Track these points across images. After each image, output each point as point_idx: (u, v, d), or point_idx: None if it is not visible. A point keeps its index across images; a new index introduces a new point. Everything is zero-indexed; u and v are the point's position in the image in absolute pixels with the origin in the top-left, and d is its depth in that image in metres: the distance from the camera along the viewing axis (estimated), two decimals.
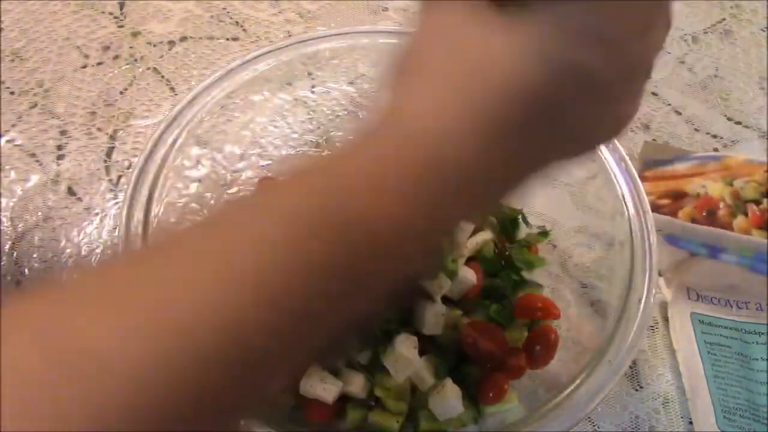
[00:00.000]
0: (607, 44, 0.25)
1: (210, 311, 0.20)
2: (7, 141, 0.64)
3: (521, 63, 0.24)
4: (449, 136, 0.24)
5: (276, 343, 0.22)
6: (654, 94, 0.72)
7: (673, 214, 0.61)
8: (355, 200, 0.23)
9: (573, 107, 0.26)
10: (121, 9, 0.75)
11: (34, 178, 0.61)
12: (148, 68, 0.70)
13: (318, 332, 0.23)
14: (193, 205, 0.52)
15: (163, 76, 0.70)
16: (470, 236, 0.52)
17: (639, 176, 0.51)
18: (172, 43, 0.72)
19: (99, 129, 0.65)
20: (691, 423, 0.51)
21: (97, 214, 0.60)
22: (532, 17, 0.25)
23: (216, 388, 0.20)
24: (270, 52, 0.54)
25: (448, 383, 0.45)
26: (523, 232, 0.55)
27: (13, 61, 0.70)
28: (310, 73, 0.59)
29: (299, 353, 0.24)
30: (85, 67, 0.70)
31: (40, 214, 0.59)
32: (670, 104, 0.71)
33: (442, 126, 0.24)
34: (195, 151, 0.52)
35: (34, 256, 0.57)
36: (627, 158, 0.51)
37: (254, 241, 0.22)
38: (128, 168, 0.63)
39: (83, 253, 0.58)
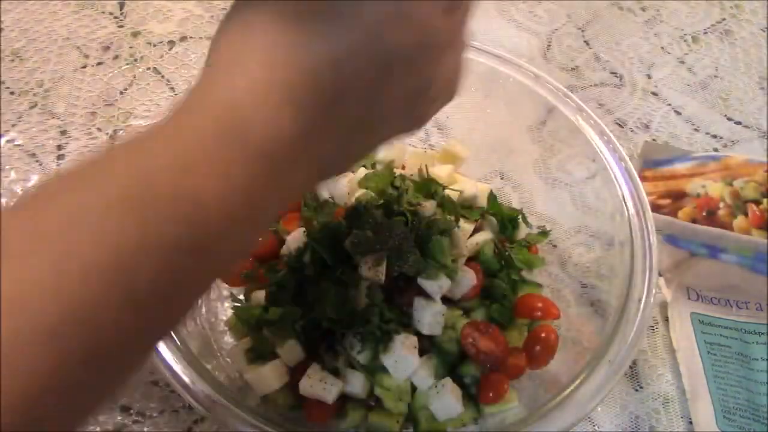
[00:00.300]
0: (405, 21, 0.28)
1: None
2: (7, 141, 0.64)
3: (324, 53, 0.27)
4: (259, 108, 0.26)
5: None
6: (654, 94, 0.72)
7: (673, 214, 0.61)
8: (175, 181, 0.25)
9: (386, 80, 0.29)
10: (121, 9, 0.75)
11: (34, 178, 0.61)
12: (148, 68, 0.70)
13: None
14: None
15: (163, 76, 0.70)
16: (470, 236, 0.52)
17: (639, 176, 0.51)
18: (172, 43, 0.72)
19: (99, 129, 0.65)
20: (691, 423, 0.51)
21: None
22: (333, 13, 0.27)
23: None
24: None
25: (448, 383, 0.45)
26: (523, 232, 0.55)
27: (13, 61, 0.70)
28: None
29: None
30: (85, 67, 0.70)
31: None
32: (670, 104, 0.71)
33: (252, 100, 0.26)
34: None
35: None
36: (627, 158, 0.51)
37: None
38: None
39: None
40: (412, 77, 0.30)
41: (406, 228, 0.47)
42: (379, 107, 0.30)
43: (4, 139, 0.64)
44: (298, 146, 0.27)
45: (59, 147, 0.64)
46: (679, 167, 0.64)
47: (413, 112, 0.33)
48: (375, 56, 0.28)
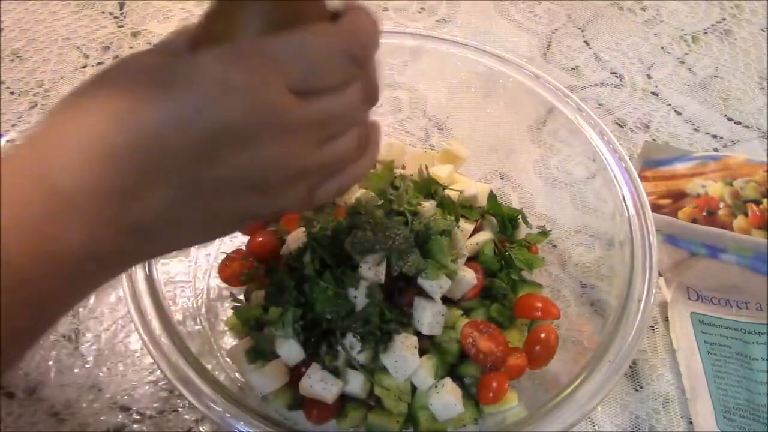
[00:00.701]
0: (237, 95, 0.28)
1: None
2: (7, 141, 0.64)
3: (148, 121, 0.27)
4: (66, 159, 0.27)
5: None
6: (654, 94, 0.72)
7: (673, 214, 0.61)
8: None
9: (225, 153, 0.28)
10: (121, 9, 0.75)
11: None
12: None
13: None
14: None
15: None
16: (470, 236, 0.52)
17: (639, 176, 0.51)
18: None
19: None
20: (691, 423, 0.51)
21: None
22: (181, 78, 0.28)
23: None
24: None
25: (448, 383, 0.45)
26: (523, 232, 0.55)
27: (13, 61, 0.70)
28: None
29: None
30: (85, 67, 0.70)
31: None
32: (670, 104, 0.71)
33: (61, 153, 0.27)
34: None
35: None
36: (627, 158, 0.51)
37: None
38: None
39: None
40: (246, 152, 0.29)
41: (406, 228, 0.47)
42: (213, 176, 0.29)
43: (4, 139, 0.64)
44: (111, 200, 0.27)
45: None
46: (679, 167, 0.64)
47: (267, 190, 0.31)
48: (200, 126, 0.27)
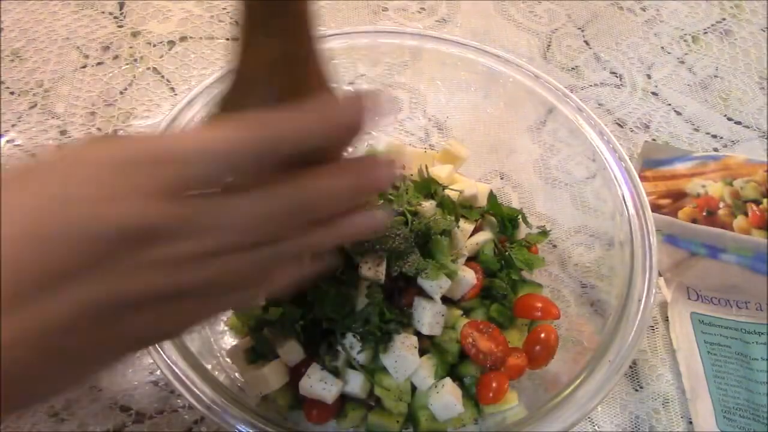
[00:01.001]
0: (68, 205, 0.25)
1: None
2: (7, 141, 0.64)
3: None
4: None
5: None
6: (654, 94, 0.72)
7: (673, 214, 0.61)
8: None
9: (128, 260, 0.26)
10: (121, 9, 0.75)
11: None
12: (148, 68, 0.70)
13: None
14: None
15: (163, 76, 0.70)
16: (470, 236, 0.52)
17: (639, 176, 0.51)
18: (172, 43, 0.72)
19: (99, 129, 0.65)
20: (691, 423, 0.51)
21: None
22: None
23: None
24: None
25: (448, 383, 0.45)
26: (523, 232, 0.55)
27: (13, 61, 0.70)
28: None
29: None
30: (85, 67, 0.70)
31: None
32: (670, 104, 0.71)
33: None
34: None
35: None
36: (627, 158, 0.51)
37: None
38: None
39: None
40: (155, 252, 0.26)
41: (406, 228, 0.47)
42: (123, 289, 0.26)
43: (4, 139, 0.64)
44: None
45: (59, 147, 0.64)
46: (679, 167, 0.64)
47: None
48: (93, 231, 0.25)
